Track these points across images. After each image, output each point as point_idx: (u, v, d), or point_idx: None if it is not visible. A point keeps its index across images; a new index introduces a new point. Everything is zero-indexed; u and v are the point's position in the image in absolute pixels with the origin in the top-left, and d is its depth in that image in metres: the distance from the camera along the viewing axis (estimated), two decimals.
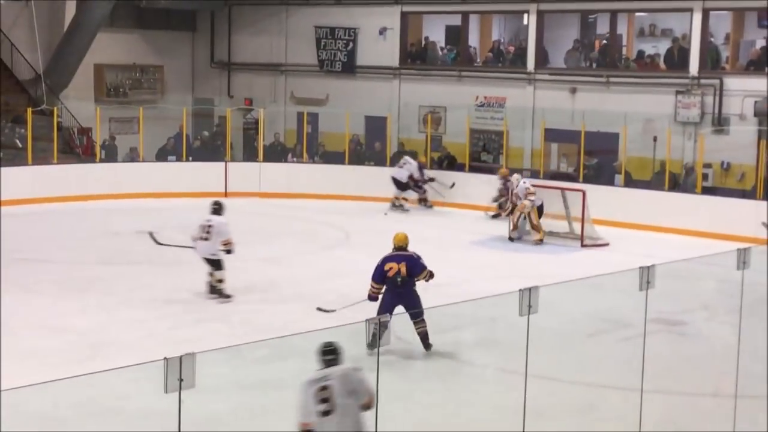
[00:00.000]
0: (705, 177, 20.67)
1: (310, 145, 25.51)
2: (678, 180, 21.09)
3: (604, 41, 24.12)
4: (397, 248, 11.77)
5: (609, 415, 9.69)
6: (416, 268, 11.55)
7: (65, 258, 16.60)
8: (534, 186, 18.99)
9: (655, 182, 21.13)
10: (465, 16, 25.50)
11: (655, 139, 21.32)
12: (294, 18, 27.46)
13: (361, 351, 6.91)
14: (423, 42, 26.20)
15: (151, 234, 15.26)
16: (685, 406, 10.21)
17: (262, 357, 10.86)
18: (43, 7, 25.26)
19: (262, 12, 28.03)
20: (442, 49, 26.29)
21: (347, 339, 6.87)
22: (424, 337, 11.47)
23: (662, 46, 23.17)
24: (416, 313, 11.33)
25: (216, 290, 14.02)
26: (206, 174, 23.37)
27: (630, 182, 21.39)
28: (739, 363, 8.46)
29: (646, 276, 7.29)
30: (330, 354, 7.06)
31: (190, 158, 24.32)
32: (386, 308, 11.45)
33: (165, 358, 4.84)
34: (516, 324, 6.78)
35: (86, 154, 24.45)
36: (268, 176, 23.54)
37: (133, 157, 24.36)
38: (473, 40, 26.12)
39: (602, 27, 24.32)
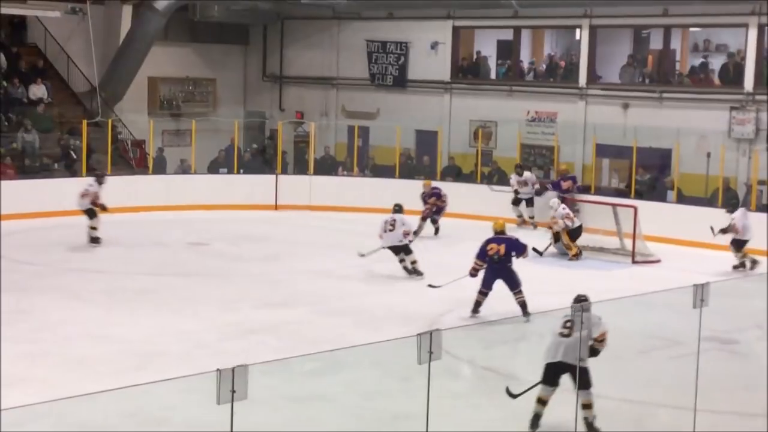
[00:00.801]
0: (760, 194, 20.41)
1: (360, 159, 25.55)
2: (736, 197, 20.81)
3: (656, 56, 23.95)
4: (497, 233, 14.08)
5: None
6: (517, 248, 13.85)
7: (116, 268, 16.75)
8: (583, 201, 19.01)
9: (709, 199, 20.89)
10: (517, 30, 25.43)
11: (708, 155, 21.10)
12: (345, 32, 27.56)
13: (411, 362, 6.87)
14: (474, 56, 26.17)
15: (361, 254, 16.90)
16: (737, 425, 10.06)
17: (310, 370, 10.88)
18: (99, 20, 25.55)
19: (314, 26, 28.16)
20: (498, 64, 26.27)
21: (394, 352, 6.86)
22: (523, 306, 13.55)
23: (716, 62, 22.93)
24: (515, 284, 13.67)
25: (412, 270, 16.48)
26: (257, 186, 23.50)
27: (682, 198, 21.18)
28: None
29: (701, 294, 7.20)
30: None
31: (241, 171, 24.46)
32: (488, 282, 13.77)
33: (218, 370, 4.84)
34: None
35: (139, 166, 24.68)
36: (318, 189, 23.62)
37: (184, 169, 24.54)
38: (525, 54, 26.05)
39: (656, 42, 24.12)
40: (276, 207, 22.48)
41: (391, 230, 16.53)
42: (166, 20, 25.74)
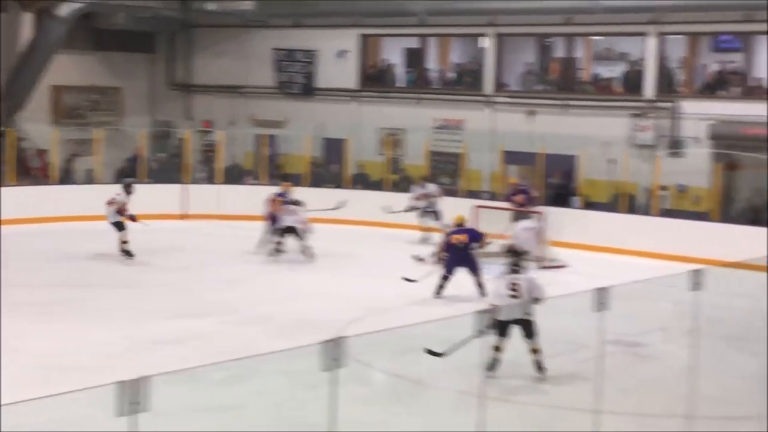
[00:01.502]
0: (662, 199, 20.88)
1: (269, 167, 25.47)
2: (635, 202, 21.28)
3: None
4: (458, 225, 16.28)
5: None
6: (477, 237, 16.04)
7: (22, 281, 16.41)
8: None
9: (612, 204, 21.31)
10: (423, 38, 25.63)
11: (612, 161, 21.50)
12: (253, 41, 27.47)
13: (319, 370, 6.88)
14: (382, 64, 26.29)
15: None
16: (641, 426, 10.27)
17: (220, 380, 10.82)
18: None
19: (221, 34, 28.02)
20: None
21: (302, 360, 6.87)
22: (481, 286, 15.39)
23: (619, 70, 23.40)
24: (476, 269, 15.74)
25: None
26: (165, 196, 23.24)
27: (587, 204, 21.56)
28: (694, 384, 8.53)
29: (601, 298, 7.34)
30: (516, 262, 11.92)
31: (149, 180, 24.19)
32: (450, 268, 15.81)
33: (118, 382, 4.80)
34: (471, 346, 6.80)
35: (43, 176, 24.26)
36: (226, 198, 23.48)
37: (90, 179, 24.18)
38: (432, 62, 26.25)
39: (559, 50, 24.52)
40: (184, 216, 22.29)
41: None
42: (69, 28, 25.33)
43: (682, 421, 8.65)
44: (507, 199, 20.81)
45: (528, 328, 11.47)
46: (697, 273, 8.13)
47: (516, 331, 11.44)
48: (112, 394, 4.90)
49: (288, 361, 10.53)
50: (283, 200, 19.39)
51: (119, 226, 18.37)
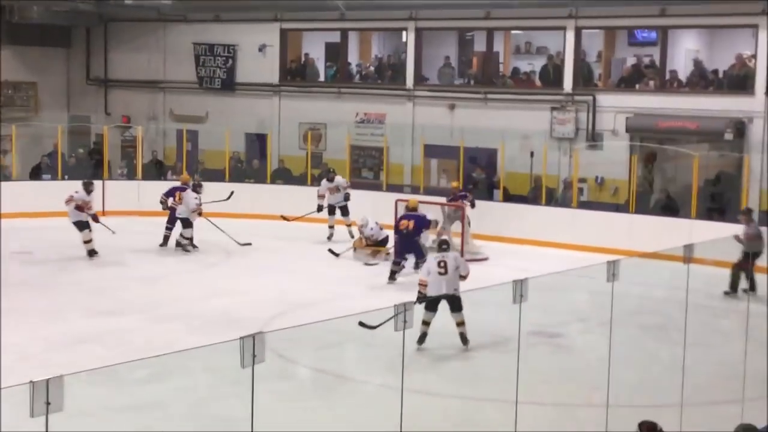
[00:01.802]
0: (580, 191, 21.14)
1: (190, 163, 25.22)
2: (555, 195, 21.53)
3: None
4: (409, 209, 17.08)
5: (486, 428, 9.81)
6: (424, 223, 16.73)
7: None
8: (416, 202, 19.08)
9: (532, 197, 21.52)
10: (344, 33, 25.59)
11: (532, 154, 21.70)
12: (172, 35, 27.18)
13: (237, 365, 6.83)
14: (303, 59, 26.21)
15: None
16: (560, 416, 10.41)
17: (140, 378, 10.70)
18: None
19: (139, 29, 27.67)
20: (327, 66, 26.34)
21: (223, 356, 6.81)
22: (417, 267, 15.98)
23: (538, 64, 23.63)
24: (420, 255, 16.38)
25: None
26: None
27: (508, 197, 21.74)
28: (611, 373, 8.65)
29: (519, 289, 7.40)
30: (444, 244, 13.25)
31: (66, 177, 23.80)
32: (400, 253, 16.74)
33: (31, 381, 4.72)
34: (392, 339, 6.81)
35: None
36: (146, 194, 23.17)
37: (5, 175, 23.74)
38: (353, 56, 26.24)
39: (479, 44, 24.67)
40: (103, 213, 21.94)
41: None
42: None
43: (601, 410, 8.76)
44: (448, 201, 19.97)
45: (455, 303, 12.49)
46: (613, 264, 8.24)
47: (444, 306, 12.45)
48: (25, 394, 4.81)
49: (210, 357, 10.46)
50: (181, 194, 19.45)
51: (80, 226, 18.02)
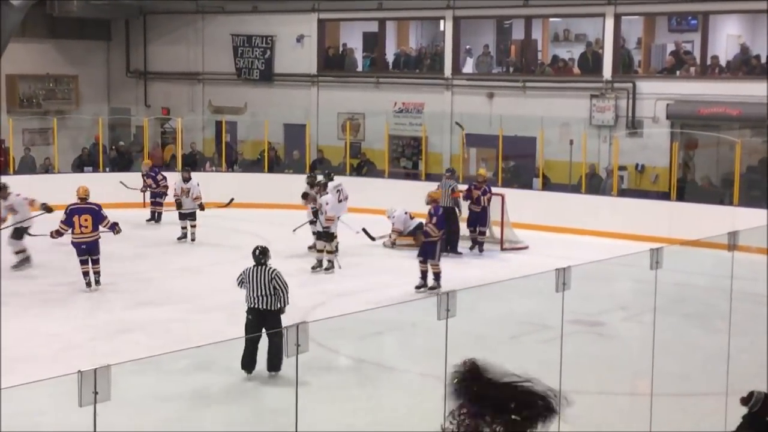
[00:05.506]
0: (620, 179, 21.01)
1: (228, 154, 25.33)
2: (596, 183, 21.39)
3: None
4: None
5: None
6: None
7: None
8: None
9: (572, 185, 21.41)
10: (382, 22, 25.57)
11: (571, 142, 21.60)
12: (210, 26, 27.28)
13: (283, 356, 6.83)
14: (340, 49, 26.22)
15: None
16: (603, 405, 10.36)
17: (181, 368, 10.78)
18: None
19: (177, 21, 27.80)
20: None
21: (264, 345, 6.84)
22: (436, 276, 15.13)
23: (576, 51, 23.49)
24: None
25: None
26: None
27: (548, 185, 21.65)
28: (654, 362, 8.59)
29: (562, 277, 7.37)
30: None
31: (107, 169, 23.99)
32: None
33: (79, 371, 4.77)
34: (435, 329, 6.80)
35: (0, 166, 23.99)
36: None
37: (48, 168, 23.95)
38: (391, 46, 26.21)
39: (518, 32, 24.56)
40: (144, 205, 22.09)
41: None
42: (24, 15, 25.02)
43: (643, 399, 8.72)
44: (471, 188, 19.17)
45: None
46: (656, 251, 8.18)
47: None
48: (74, 384, 4.86)
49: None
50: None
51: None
